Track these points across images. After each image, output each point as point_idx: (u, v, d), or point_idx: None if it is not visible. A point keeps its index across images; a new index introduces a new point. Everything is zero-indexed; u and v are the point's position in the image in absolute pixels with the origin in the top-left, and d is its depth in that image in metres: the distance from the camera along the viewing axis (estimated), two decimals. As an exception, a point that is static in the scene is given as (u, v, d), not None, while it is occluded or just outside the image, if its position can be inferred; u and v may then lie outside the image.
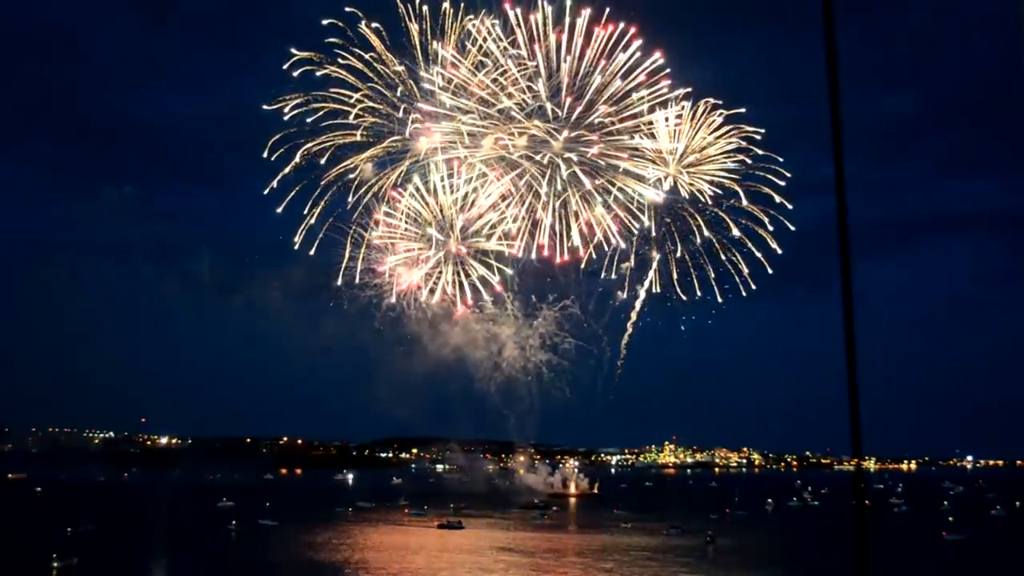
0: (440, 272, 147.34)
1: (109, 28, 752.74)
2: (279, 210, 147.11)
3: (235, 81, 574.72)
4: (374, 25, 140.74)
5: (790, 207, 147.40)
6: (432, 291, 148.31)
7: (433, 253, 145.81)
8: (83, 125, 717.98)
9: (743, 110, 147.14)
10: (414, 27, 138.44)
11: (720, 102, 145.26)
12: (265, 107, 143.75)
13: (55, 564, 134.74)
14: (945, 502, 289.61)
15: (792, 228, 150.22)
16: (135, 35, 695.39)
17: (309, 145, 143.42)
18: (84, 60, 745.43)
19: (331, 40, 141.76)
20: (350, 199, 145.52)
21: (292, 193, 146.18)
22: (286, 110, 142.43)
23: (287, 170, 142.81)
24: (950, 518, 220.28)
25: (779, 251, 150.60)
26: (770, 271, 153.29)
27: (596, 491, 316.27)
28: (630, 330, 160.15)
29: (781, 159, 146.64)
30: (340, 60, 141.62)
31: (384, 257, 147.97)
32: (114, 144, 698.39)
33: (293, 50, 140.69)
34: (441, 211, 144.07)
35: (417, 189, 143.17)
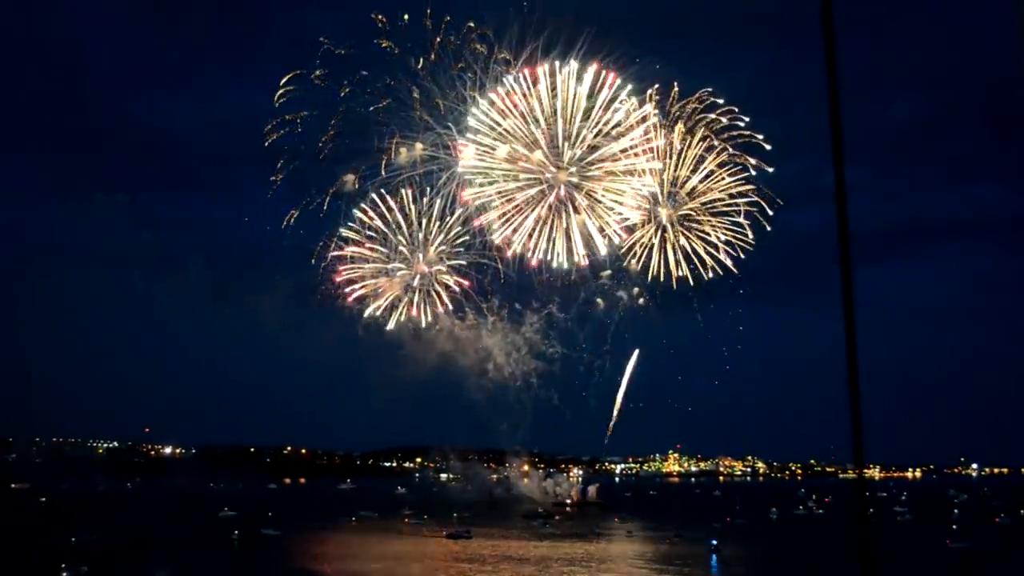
0: (410, 289, 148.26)
1: (112, 35, 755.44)
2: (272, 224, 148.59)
3: (238, 89, 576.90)
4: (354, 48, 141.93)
5: (769, 229, 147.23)
6: (405, 305, 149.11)
7: (401, 271, 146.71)
8: (87, 132, 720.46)
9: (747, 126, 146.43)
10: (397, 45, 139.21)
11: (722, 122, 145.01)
12: (265, 127, 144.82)
13: (64, 574, 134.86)
14: (955, 510, 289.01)
15: (768, 242, 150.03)
16: (138, 43, 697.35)
17: (292, 164, 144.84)
18: (87, 67, 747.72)
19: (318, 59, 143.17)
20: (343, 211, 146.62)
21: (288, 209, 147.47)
22: (276, 127, 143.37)
23: (270, 192, 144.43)
24: (954, 526, 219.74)
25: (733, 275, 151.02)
26: (739, 287, 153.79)
27: (595, 499, 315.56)
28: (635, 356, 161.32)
29: (771, 171, 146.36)
30: (319, 79, 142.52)
31: (363, 271, 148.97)
32: (118, 151, 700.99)
33: (290, 76, 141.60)
34: (410, 227, 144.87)
35: (397, 202, 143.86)
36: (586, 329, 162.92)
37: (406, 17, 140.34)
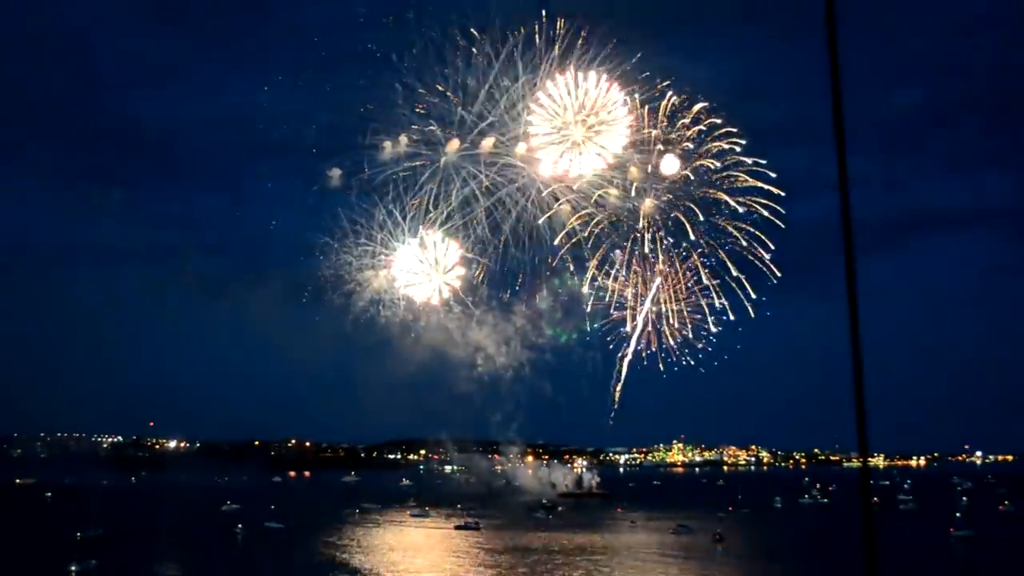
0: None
1: (114, 32, 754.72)
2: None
3: (236, 85, 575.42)
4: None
5: (782, 211, 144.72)
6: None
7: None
8: (89, 130, 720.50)
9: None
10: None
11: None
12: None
13: (73, 568, 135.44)
14: (964, 498, 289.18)
15: (782, 226, 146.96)
16: (140, 38, 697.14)
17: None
18: (89, 64, 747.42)
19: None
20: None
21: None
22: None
23: (269, 185, 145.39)
24: (957, 514, 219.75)
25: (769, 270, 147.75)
26: (776, 274, 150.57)
27: (597, 489, 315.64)
28: (633, 343, 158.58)
29: (764, 162, 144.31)
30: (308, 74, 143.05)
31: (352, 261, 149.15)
32: (120, 148, 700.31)
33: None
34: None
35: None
36: (577, 318, 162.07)
37: (391, 18, 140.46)
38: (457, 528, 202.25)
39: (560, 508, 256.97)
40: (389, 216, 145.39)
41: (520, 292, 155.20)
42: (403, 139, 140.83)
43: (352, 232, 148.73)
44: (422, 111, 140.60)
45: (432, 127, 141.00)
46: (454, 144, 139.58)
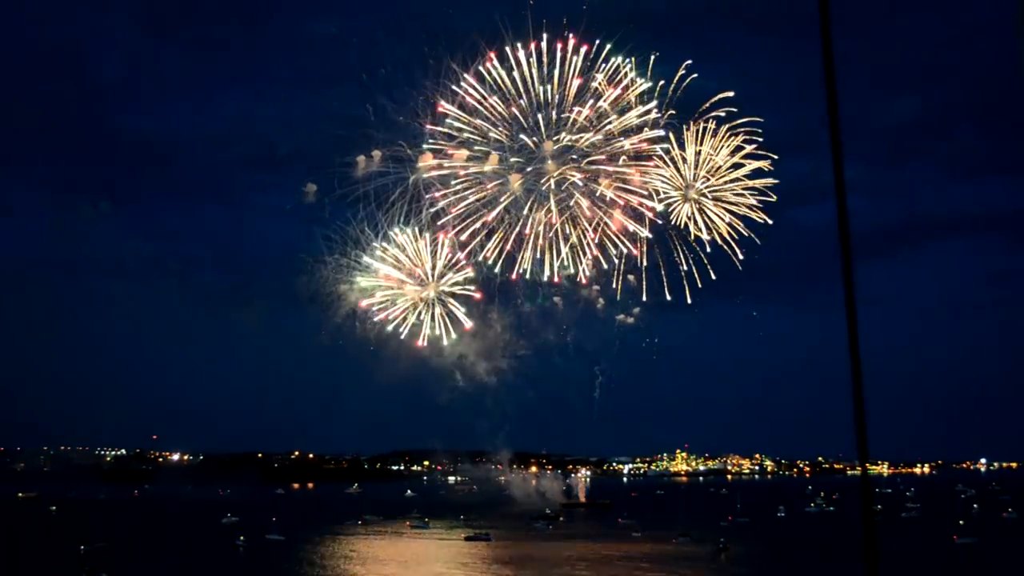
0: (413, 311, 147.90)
1: (112, 45, 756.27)
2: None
3: (239, 96, 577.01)
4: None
5: (770, 222, 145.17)
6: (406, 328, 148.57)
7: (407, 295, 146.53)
8: (89, 143, 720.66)
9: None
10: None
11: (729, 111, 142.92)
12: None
13: None
14: (975, 505, 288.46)
15: (758, 242, 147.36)
16: (138, 51, 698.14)
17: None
18: (87, 77, 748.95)
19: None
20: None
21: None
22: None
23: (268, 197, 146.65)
24: (960, 521, 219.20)
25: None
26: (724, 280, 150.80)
27: (585, 498, 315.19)
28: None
29: (773, 169, 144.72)
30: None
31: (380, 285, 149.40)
32: (119, 162, 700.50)
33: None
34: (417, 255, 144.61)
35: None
36: (563, 330, 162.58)
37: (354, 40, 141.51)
38: (467, 539, 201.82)
39: (561, 518, 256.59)
40: (362, 232, 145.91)
41: (504, 304, 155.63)
42: (376, 155, 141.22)
43: (340, 246, 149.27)
44: (400, 125, 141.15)
45: (402, 144, 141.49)
46: (427, 159, 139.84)
